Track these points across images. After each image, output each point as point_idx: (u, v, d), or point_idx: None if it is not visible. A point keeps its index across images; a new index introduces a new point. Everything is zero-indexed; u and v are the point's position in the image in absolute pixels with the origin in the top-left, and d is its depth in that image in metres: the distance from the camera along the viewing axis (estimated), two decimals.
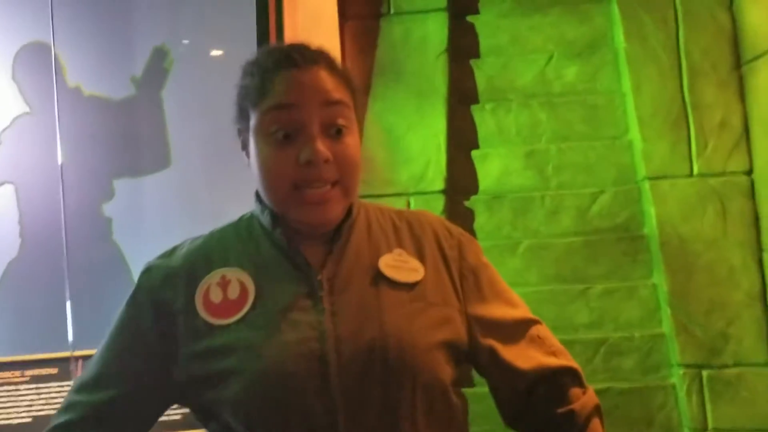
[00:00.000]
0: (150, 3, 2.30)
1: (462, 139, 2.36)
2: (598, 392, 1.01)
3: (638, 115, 2.25)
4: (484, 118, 2.36)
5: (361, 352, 0.89)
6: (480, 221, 2.29)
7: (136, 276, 0.99)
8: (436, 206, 2.24)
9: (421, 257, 0.99)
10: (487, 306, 0.99)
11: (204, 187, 2.54)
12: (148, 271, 0.99)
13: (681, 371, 2.13)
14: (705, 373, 2.13)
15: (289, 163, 0.91)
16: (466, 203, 2.31)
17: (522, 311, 1.02)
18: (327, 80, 0.93)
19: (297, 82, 0.91)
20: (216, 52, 2.54)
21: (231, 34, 2.31)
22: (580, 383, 1.00)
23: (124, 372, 0.95)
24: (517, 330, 1.00)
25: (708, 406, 2.11)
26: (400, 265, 0.96)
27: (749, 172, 2.19)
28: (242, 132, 0.98)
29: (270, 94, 0.92)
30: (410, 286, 0.95)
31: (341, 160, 0.92)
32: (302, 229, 0.96)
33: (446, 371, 0.94)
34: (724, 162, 2.20)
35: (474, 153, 2.34)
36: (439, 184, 2.28)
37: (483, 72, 2.39)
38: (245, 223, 1.02)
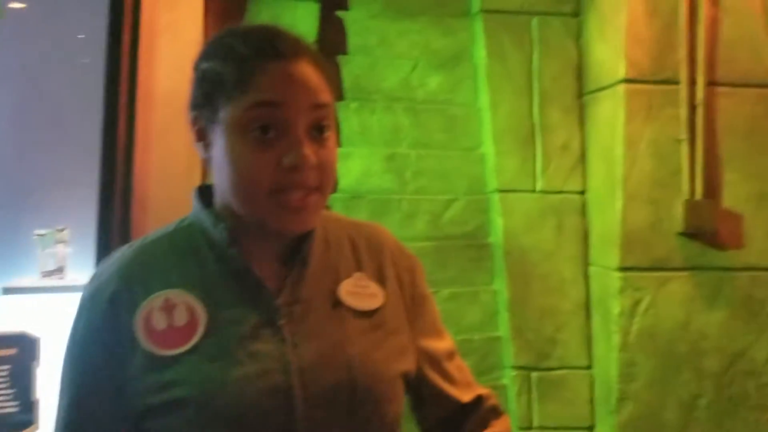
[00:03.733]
0: None
1: None
2: None
3: (493, 131, 2.37)
4: (348, 117, 2.35)
5: (327, 384, 0.84)
6: None
7: None
8: None
9: (381, 280, 0.96)
10: (429, 338, 1.00)
11: (21, 161, 2.26)
12: (89, 301, 0.87)
13: (513, 373, 2.28)
14: (534, 374, 2.29)
15: (269, 165, 0.83)
16: None
17: (449, 341, 1.05)
18: (314, 77, 0.86)
19: (284, 77, 0.84)
20: (17, 5, 2.25)
21: None
22: (501, 410, 1.05)
23: (95, 421, 0.84)
24: (450, 362, 1.02)
25: (534, 406, 2.28)
26: (360, 291, 0.92)
27: (583, 192, 2.41)
28: (201, 121, 0.87)
29: (253, 89, 0.83)
30: (370, 313, 0.92)
31: (324, 165, 0.86)
32: (273, 235, 0.88)
33: (403, 402, 0.93)
34: (563, 181, 2.39)
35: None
36: None
37: (350, 70, 2.38)
38: (183, 234, 0.91)
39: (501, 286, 2.34)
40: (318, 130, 0.86)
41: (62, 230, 2.23)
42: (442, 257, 2.33)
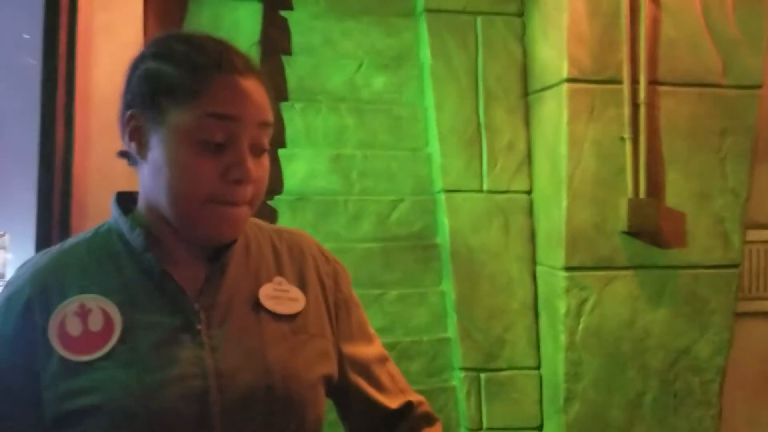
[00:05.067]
0: None
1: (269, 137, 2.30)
2: None
3: (438, 131, 2.36)
4: (292, 118, 2.32)
5: (244, 389, 0.83)
6: (283, 222, 2.24)
7: None
8: None
9: (302, 285, 0.95)
10: (355, 343, 1.00)
11: None
12: (3, 306, 0.85)
13: (462, 374, 2.27)
14: (483, 375, 2.29)
15: (211, 175, 0.84)
16: (270, 203, 2.24)
17: (379, 346, 1.04)
18: (263, 96, 0.88)
19: (239, 91, 0.85)
20: None
21: None
22: (433, 417, 1.05)
23: (8, 429, 0.82)
24: (379, 368, 1.02)
25: (484, 407, 2.28)
26: (280, 295, 0.92)
27: (529, 191, 2.41)
28: (139, 121, 0.87)
29: (206, 98, 0.84)
30: (291, 317, 0.91)
31: (259, 181, 0.88)
32: (198, 241, 0.89)
33: (323, 406, 0.93)
34: (509, 181, 2.39)
35: (281, 152, 2.29)
36: None
37: (294, 70, 2.36)
38: (101, 240, 0.90)
39: (448, 286, 2.33)
40: (258, 149, 0.88)
41: (2, 236, 2.17)
42: (389, 258, 2.32)
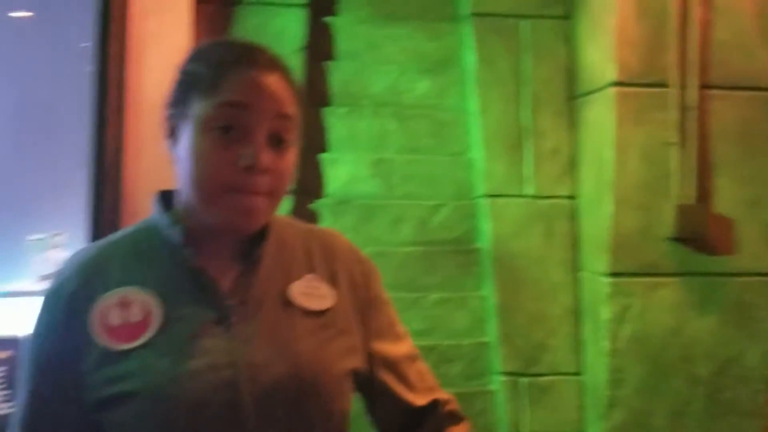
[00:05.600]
0: None
1: (312, 141, 2.33)
2: None
3: (482, 135, 2.36)
4: (335, 122, 2.34)
5: (274, 380, 0.87)
6: (324, 225, 2.27)
7: None
8: (283, 207, 2.19)
9: (333, 282, 0.98)
10: (384, 340, 1.01)
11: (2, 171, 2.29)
12: (51, 297, 0.90)
13: (502, 378, 2.27)
14: (523, 380, 2.28)
15: (227, 163, 0.87)
16: (312, 206, 2.28)
17: (409, 345, 1.06)
18: (283, 90, 0.90)
19: (255, 83, 0.88)
20: (22, 14, 2.28)
21: (76, 6, 2.11)
22: (460, 416, 1.05)
23: (52, 413, 0.87)
24: (408, 365, 1.03)
25: (524, 412, 2.27)
26: (311, 292, 0.95)
27: (573, 197, 2.39)
28: (173, 118, 0.92)
29: (224, 88, 0.87)
30: (321, 313, 0.94)
31: (278, 173, 0.89)
32: (220, 231, 0.91)
33: (350, 399, 0.95)
34: (552, 186, 2.37)
35: (323, 156, 2.32)
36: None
37: (337, 75, 2.38)
38: (143, 235, 0.94)
39: (489, 291, 2.32)
40: (278, 141, 0.90)
41: (58, 235, 2.26)
42: (430, 262, 2.32)
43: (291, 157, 0.92)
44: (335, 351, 0.93)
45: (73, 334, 0.87)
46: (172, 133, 0.93)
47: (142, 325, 0.86)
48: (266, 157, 0.87)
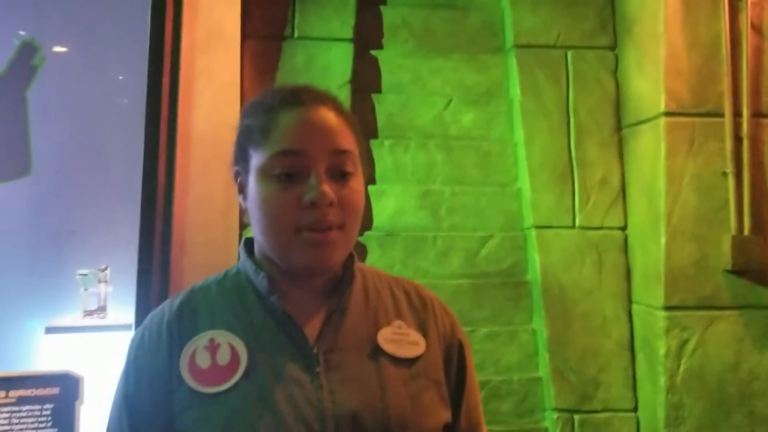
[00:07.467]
0: None
1: None
2: None
3: (528, 166, 2.33)
4: (382, 154, 2.34)
5: None
6: (372, 258, 2.25)
7: None
8: None
9: (422, 330, 0.95)
10: (466, 390, 0.99)
11: (63, 201, 2.33)
12: (139, 338, 0.91)
13: (555, 415, 2.21)
14: (577, 417, 2.22)
15: (292, 204, 0.86)
16: (360, 239, 2.26)
17: (478, 394, 1.03)
18: (334, 123, 0.89)
19: (303, 123, 0.88)
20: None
21: (114, 40, 2.17)
22: None
23: None
24: (478, 416, 1.01)
25: None
26: (400, 339, 0.92)
27: (624, 228, 2.34)
28: (240, 174, 0.93)
29: (275, 137, 0.87)
30: (411, 361, 0.91)
31: (345, 204, 0.88)
32: (300, 275, 0.90)
33: None
34: (602, 217, 2.33)
35: (370, 188, 2.31)
36: None
37: (383, 108, 2.38)
38: (231, 281, 0.94)
39: (540, 325, 2.28)
40: (340, 175, 0.89)
41: (104, 270, 2.27)
42: (479, 295, 2.29)
43: (357, 187, 0.90)
44: (427, 403, 0.90)
45: (162, 377, 0.87)
46: (242, 190, 0.93)
47: (229, 369, 0.86)
48: (328, 190, 0.86)
